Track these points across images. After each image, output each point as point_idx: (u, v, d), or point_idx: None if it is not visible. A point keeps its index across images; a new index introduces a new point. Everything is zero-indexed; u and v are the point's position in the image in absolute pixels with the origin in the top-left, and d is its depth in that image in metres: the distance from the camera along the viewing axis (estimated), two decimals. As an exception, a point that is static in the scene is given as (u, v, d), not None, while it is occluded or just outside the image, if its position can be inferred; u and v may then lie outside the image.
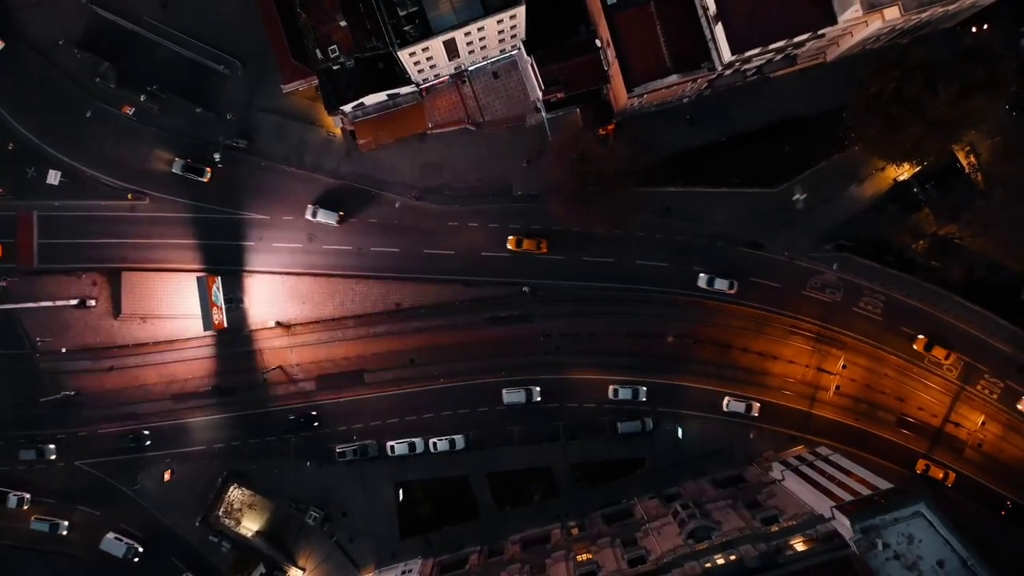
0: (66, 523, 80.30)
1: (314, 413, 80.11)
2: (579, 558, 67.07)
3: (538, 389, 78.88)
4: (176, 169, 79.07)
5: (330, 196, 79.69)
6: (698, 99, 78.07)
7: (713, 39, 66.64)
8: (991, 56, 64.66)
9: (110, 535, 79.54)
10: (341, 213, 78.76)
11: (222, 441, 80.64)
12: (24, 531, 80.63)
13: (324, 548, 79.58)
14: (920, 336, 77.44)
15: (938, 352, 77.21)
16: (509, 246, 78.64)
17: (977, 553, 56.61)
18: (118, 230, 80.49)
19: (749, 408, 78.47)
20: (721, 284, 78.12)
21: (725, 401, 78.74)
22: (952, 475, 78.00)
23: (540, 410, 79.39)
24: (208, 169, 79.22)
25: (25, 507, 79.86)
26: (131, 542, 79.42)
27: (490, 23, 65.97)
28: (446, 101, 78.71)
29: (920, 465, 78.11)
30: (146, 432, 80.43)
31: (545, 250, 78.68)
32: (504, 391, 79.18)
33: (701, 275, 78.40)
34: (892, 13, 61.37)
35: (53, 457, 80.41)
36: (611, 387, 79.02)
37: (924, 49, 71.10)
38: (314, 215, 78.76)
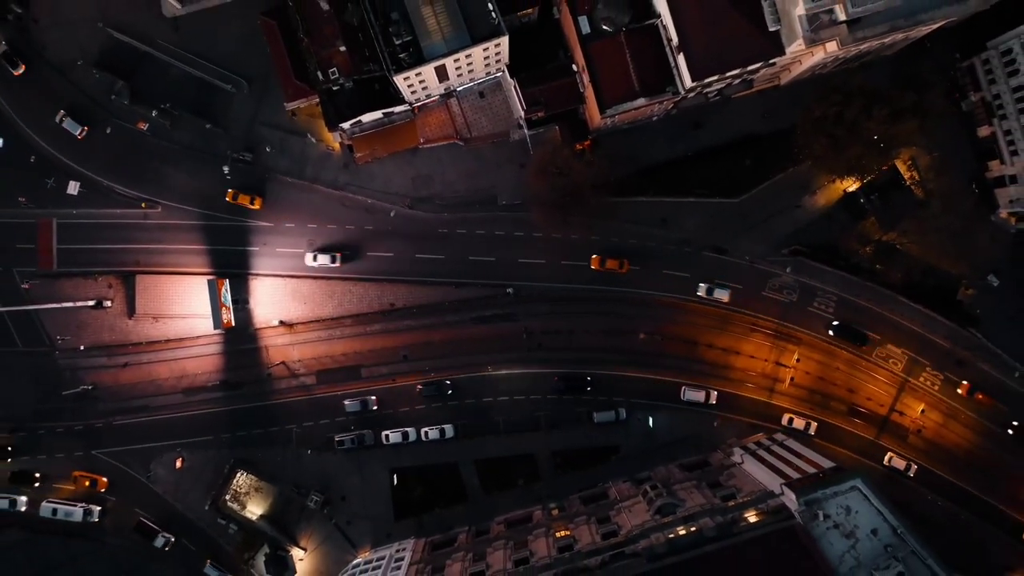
0: None
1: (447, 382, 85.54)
2: (558, 534, 73.08)
3: (715, 393, 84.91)
4: None
5: (78, 106, 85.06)
6: (667, 117, 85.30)
7: (676, 67, 73.91)
8: (921, 84, 72.36)
9: None
10: (85, 127, 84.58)
11: (229, 431, 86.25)
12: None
13: (324, 530, 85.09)
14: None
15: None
16: (227, 199, 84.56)
17: (906, 522, 63.96)
18: (132, 236, 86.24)
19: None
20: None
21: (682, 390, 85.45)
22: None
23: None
24: (23, 65, 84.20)
25: (167, 548, 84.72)
26: None
27: (477, 51, 72.75)
28: (436, 118, 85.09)
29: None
30: (448, 382, 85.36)
31: (259, 206, 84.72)
32: (684, 389, 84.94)
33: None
34: (832, 46, 68.99)
35: (375, 408, 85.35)
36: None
37: (864, 76, 78.87)
38: (60, 121, 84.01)
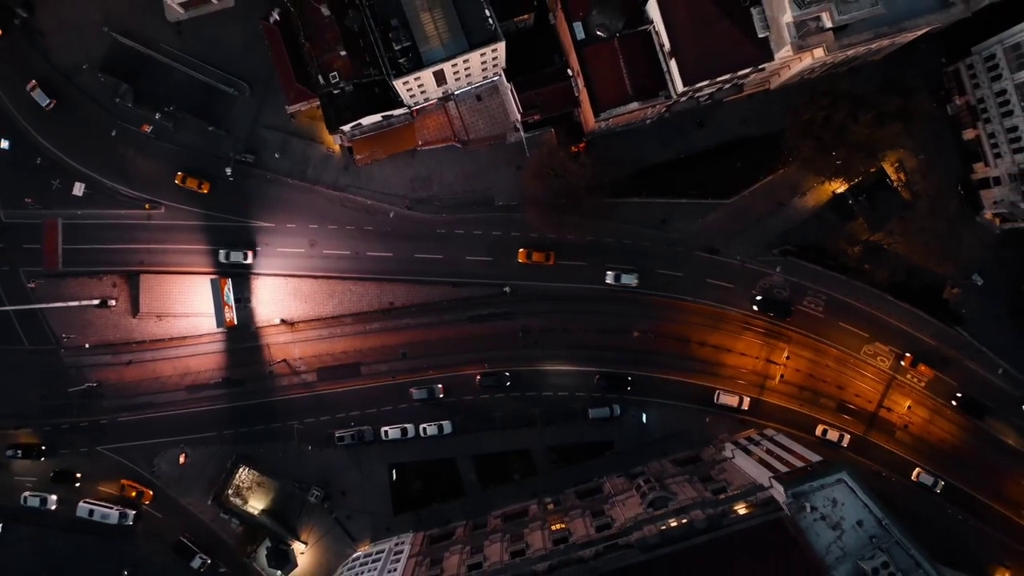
0: None
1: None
2: (553, 527, 74.68)
3: (748, 399, 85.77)
4: None
5: (51, 78, 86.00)
6: (660, 120, 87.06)
7: (669, 72, 75.72)
8: (905, 88, 74.27)
9: None
10: (54, 100, 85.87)
11: (232, 427, 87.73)
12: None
13: (324, 524, 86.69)
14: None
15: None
16: (176, 182, 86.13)
17: (891, 514, 65.84)
18: (136, 236, 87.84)
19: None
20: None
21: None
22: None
23: (517, 398, 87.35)
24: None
25: (202, 570, 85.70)
26: None
27: (474, 56, 74.44)
28: (435, 121, 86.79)
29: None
30: (507, 373, 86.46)
31: (207, 190, 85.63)
32: (718, 393, 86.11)
33: None
34: (819, 52, 70.89)
35: (442, 396, 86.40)
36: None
37: (853, 80, 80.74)
38: (31, 91, 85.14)
